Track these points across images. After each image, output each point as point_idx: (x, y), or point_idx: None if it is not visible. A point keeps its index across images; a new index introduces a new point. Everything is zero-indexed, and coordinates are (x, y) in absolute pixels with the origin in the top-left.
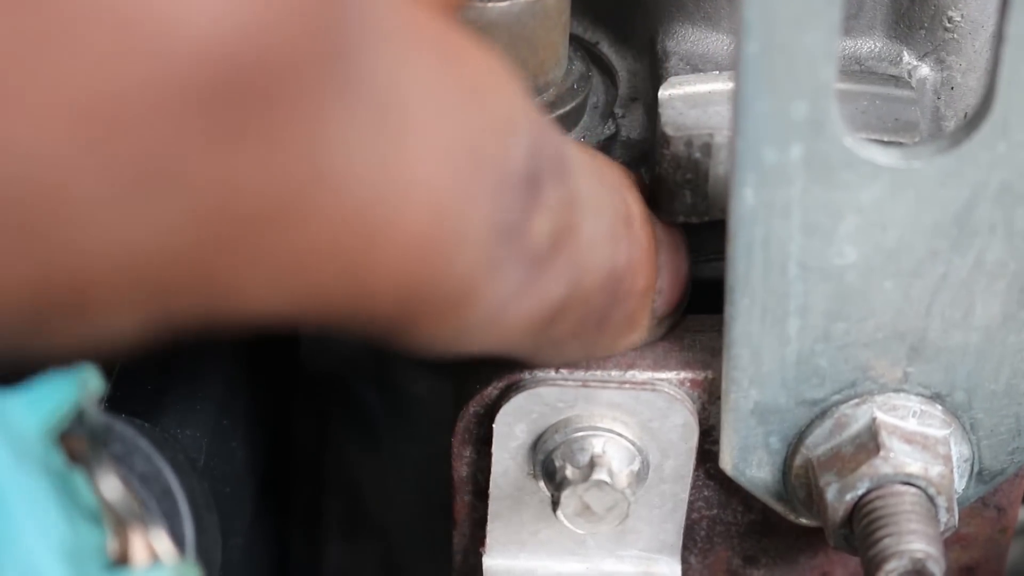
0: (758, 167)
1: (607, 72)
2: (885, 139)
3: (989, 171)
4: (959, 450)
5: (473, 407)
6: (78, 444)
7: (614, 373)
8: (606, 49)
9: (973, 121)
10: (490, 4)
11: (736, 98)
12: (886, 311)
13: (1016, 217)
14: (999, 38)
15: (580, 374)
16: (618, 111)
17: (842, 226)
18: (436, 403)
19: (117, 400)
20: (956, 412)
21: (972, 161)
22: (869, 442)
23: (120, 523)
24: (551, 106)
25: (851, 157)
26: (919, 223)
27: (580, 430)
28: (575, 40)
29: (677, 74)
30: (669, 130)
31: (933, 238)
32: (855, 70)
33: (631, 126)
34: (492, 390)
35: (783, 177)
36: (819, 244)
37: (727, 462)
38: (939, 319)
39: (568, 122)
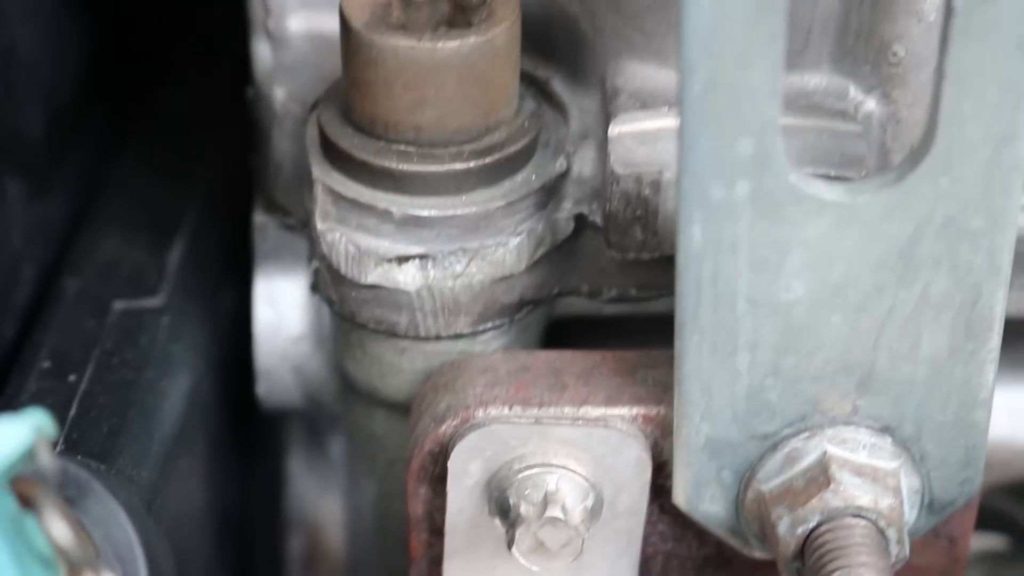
0: (705, 204)
1: (559, 109)
2: (831, 174)
3: (933, 205)
4: (909, 482)
5: (428, 445)
6: (31, 488)
7: (567, 410)
8: (558, 86)
9: (916, 156)
10: (440, 44)
11: (681, 136)
12: (834, 345)
13: (960, 250)
14: (939, 74)
15: (534, 411)
16: (570, 148)
17: (789, 261)
18: (394, 441)
19: (72, 443)
20: (906, 444)
21: (916, 196)
22: (819, 475)
23: (73, 568)
24: (502, 145)
25: (797, 193)
26: (865, 257)
27: (534, 467)
28: (526, 78)
29: (627, 111)
30: (618, 167)
31: (879, 272)
32: (802, 105)
33: (583, 163)
34: (446, 428)
35: (730, 214)
36: (767, 279)
37: (680, 497)
38: (887, 352)
39: (519, 160)
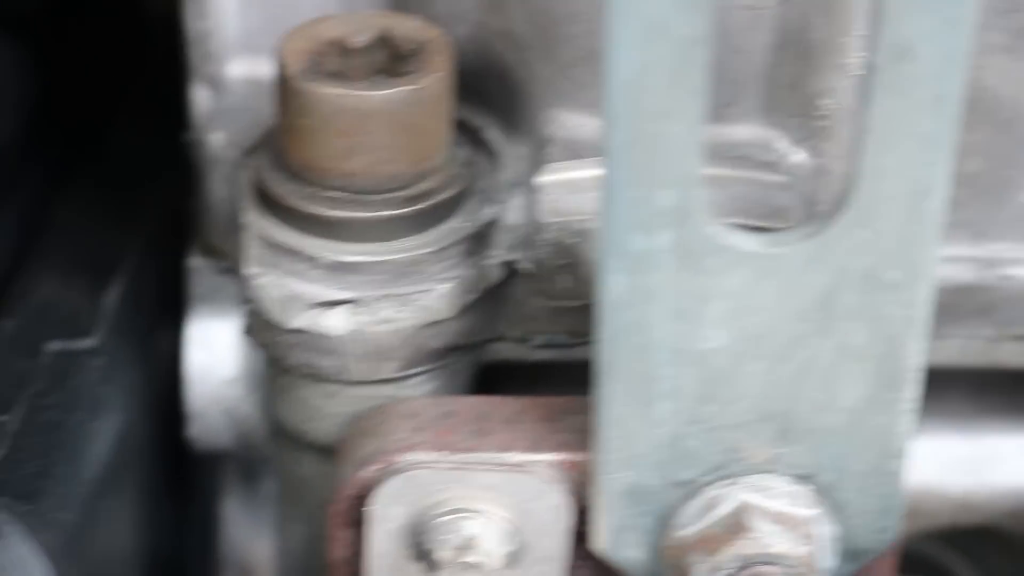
0: (626, 254)
1: (492, 157)
2: (757, 225)
3: (852, 258)
4: (827, 529)
5: (349, 489)
6: None
7: (490, 456)
8: (492, 134)
9: (836, 209)
10: (370, 93)
11: (604, 186)
12: (754, 394)
13: (879, 303)
14: (860, 128)
15: (456, 457)
16: (501, 196)
17: (710, 311)
18: (322, 484)
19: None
20: (825, 492)
21: (835, 248)
22: (736, 523)
23: None
24: (432, 192)
25: (717, 244)
26: (784, 308)
27: (454, 512)
28: (461, 125)
29: (558, 160)
30: (546, 216)
31: (799, 323)
32: (730, 156)
33: (513, 211)
34: (368, 473)
35: (651, 264)
36: (688, 329)
37: (600, 543)
38: (806, 401)
39: (449, 207)
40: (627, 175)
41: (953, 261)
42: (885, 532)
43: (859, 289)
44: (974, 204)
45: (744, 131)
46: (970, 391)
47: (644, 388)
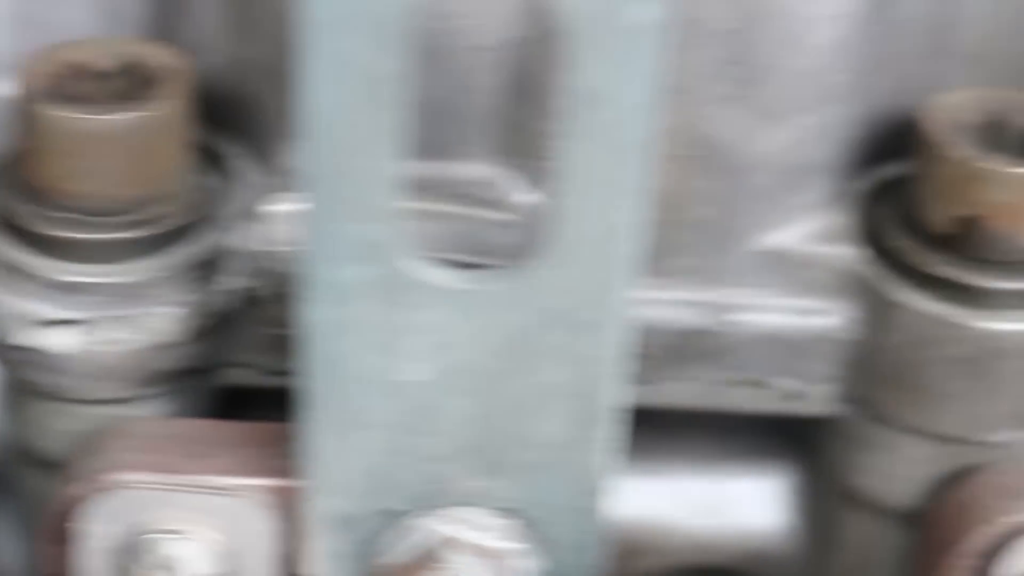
0: (327, 286)
1: (230, 184)
2: (475, 262)
3: (550, 298)
4: (531, 564)
5: (56, 506)
6: None
7: (201, 478)
8: (232, 162)
9: (536, 249)
10: (100, 116)
11: (308, 219)
12: (458, 427)
13: (576, 343)
14: (556, 171)
15: (167, 478)
16: (233, 224)
17: (411, 344)
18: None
19: None
20: (530, 527)
21: (534, 287)
22: (435, 553)
23: None
24: (163, 217)
25: (416, 279)
26: (484, 344)
27: (161, 534)
28: (201, 150)
29: (283, 191)
30: (269, 245)
31: (499, 359)
32: (455, 194)
33: (244, 239)
34: (76, 490)
35: (351, 296)
36: (389, 361)
37: (311, 568)
38: (508, 436)
39: (180, 232)
40: (327, 209)
41: (682, 305)
42: (590, 570)
43: (557, 329)
44: (702, 250)
45: (471, 169)
46: (710, 434)
47: (348, 418)
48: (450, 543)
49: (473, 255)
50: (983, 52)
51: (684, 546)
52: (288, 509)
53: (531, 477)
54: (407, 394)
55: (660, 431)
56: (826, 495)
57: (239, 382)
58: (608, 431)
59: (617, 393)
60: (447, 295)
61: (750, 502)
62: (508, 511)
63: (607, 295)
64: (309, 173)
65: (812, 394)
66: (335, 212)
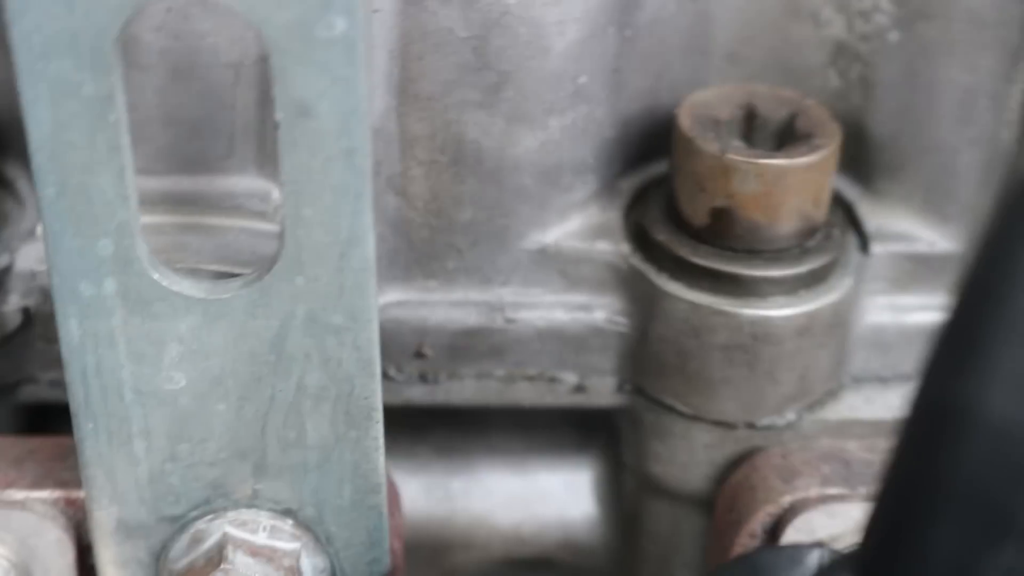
0: (77, 300)
1: (20, 206)
2: (238, 271)
3: (293, 303)
4: (315, 562)
5: None
6: None
7: None
8: (21, 185)
9: (274, 256)
10: None
11: (46, 236)
12: (224, 433)
13: (327, 345)
14: (282, 182)
15: None
16: (16, 244)
17: (167, 354)
18: None
19: None
20: (309, 526)
21: (276, 294)
22: (216, 555)
23: None
24: None
25: (162, 290)
26: (238, 350)
27: None
28: None
29: None
30: (36, 264)
31: (254, 365)
32: (225, 206)
33: (28, 259)
34: None
35: (102, 309)
36: (149, 371)
37: None
38: (275, 439)
39: None
40: (63, 226)
41: (461, 305)
42: (375, 564)
43: (306, 332)
44: (475, 251)
45: (241, 182)
46: (518, 430)
47: (117, 427)
48: (233, 544)
49: (243, 266)
50: (738, 50)
51: (497, 540)
52: (81, 520)
53: (301, 478)
54: (170, 402)
55: (469, 429)
56: (628, 484)
57: (36, 398)
58: (373, 430)
59: (376, 392)
60: (195, 304)
61: (560, 494)
62: (284, 511)
63: (352, 298)
64: (42, 193)
65: (596, 387)
66: (66, 229)
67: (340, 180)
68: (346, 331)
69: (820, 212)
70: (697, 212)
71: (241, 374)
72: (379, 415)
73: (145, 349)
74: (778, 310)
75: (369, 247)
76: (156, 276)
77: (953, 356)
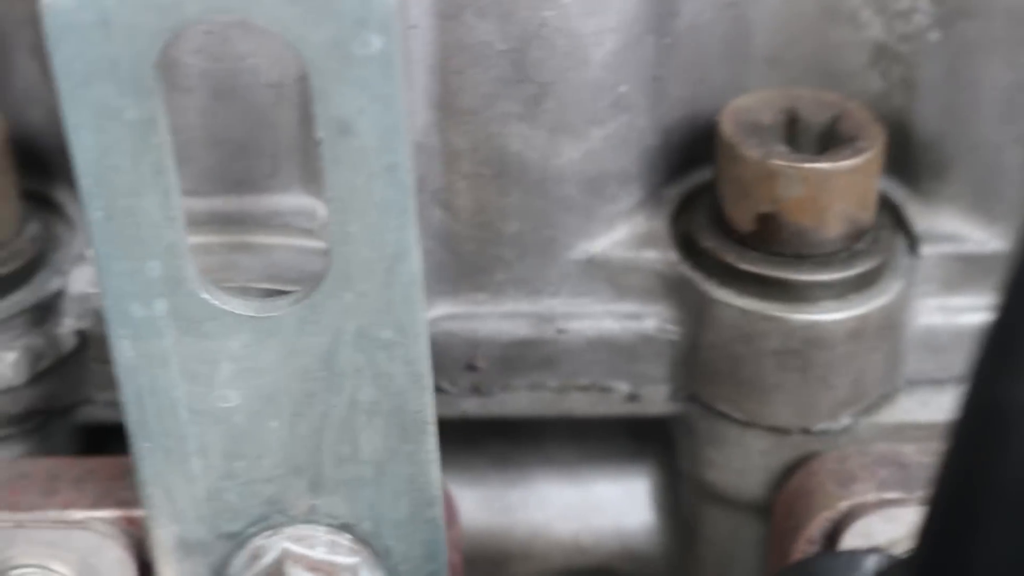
0: (128, 322)
1: (69, 228)
2: (287, 289)
3: (343, 319)
4: (371, 575)
5: None
6: None
7: (52, 513)
8: (70, 208)
9: (322, 273)
10: None
11: (96, 259)
12: (279, 449)
13: (378, 360)
14: (328, 199)
15: (19, 516)
16: (67, 267)
17: (220, 372)
18: None
19: None
20: (367, 540)
21: (325, 310)
22: (277, 571)
23: None
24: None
25: (213, 309)
26: (290, 367)
27: (17, 568)
28: (41, 199)
29: None
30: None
31: (306, 381)
32: (273, 224)
33: (81, 282)
34: None
35: (153, 330)
36: (202, 390)
37: None
38: (330, 455)
39: (16, 280)
40: (113, 249)
41: (512, 317)
42: None
43: (357, 348)
44: (523, 262)
45: (286, 200)
46: (572, 439)
47: (173, 446)
48: (293, 559)
49: (292, 284)
50: (777, 55)
51: (557, 550)
52: (139, 539)
53: (357, 492)
54: (225, 420)
55: (524, 440)
56: (685, 492)
57: (93, 419)
58: (427, 443)
59: (428, 405)
60: (246, 323)
61: (617, 503)
62: (341, 526)
63: (401, 312)
64: (90, 217)
65: (649, 395)
66: (115, 252)
67: (383, 196)
68: (396, 345)
69: (867, 215)
70: (743, 218)
71: (294, 391)
72: (433, 428)
73: (198, 368)
74: (828, 314)
75: (416, 262)
76: (206, 296)
77: (999, 356)
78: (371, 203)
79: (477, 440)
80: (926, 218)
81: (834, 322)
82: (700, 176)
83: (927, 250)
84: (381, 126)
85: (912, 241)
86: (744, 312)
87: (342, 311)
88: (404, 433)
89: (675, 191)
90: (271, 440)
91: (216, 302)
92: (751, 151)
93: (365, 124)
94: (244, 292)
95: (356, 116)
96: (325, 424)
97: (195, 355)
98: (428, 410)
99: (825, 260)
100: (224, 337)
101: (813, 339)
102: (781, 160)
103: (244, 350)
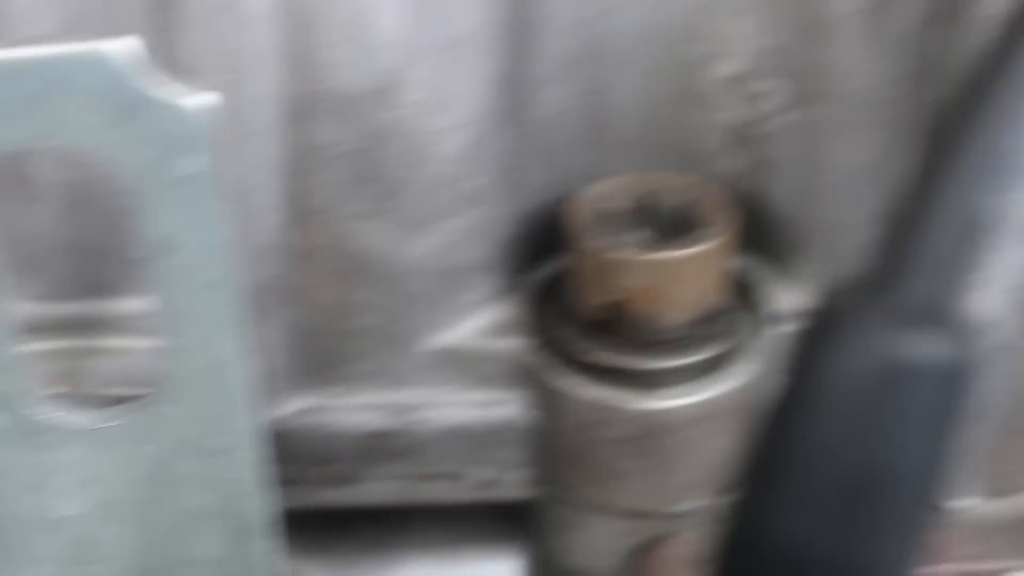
0: None
1: None
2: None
3: (175, 430)
4: None
5: None
6: None
7: None
8: None
9: (155, 384)
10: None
11: None
12: (118, 555)
13: (211, 468)
14: (152, 314)
15: None
16: None
17: (59, 483)
18: None
19: None
20: None
21: (156, 421)
22: None
23: None
24: None
25: (48, 423)
26: (128, 475)
27: None
28: None
29: None
30: None
31: (143, 489)
32: (127, 328)
33: None
34: None
35: None
36: (42, 500)
37: None
38: (167, 559)
39: None
40: None
41: (366, 409)
42: None
43: (189, 456)
44: (380, 355)
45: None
46: (439, 523)
47: (12, 555)
48: None
49: (146, 386)
50: (637, 138)
51: None
52: None
53: None
54: (64, 528)
55: (391, 525)
56: (551, 574)
57: None
58: (263, 545)
59: (265, 508)
60: (84, 435)
61: None
62: None
63: (232, 422)
64: None
65: (505, 481)
66: None
67: (208, 311)
68: (227, 453)
69: (716, 299)
70: (591, 307)
71: (131, 498)
72: (275, 528)
73: (38, 479)
74: (672, 400)
75: (243, 372)
76: (42, 409)
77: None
78: (196, 317)
79: (348, 526)
80: (791, 295)
81: (678, 408)
82: (560, 263)
83: (791, 328)
84: (204, 243)
85: (772, 320)
86: (587, 402)
87: (172, 421)
88: (239, 536)
89: (533, 279)
90: (111, 547)
91: (54, 415)
92: (594, 241)
93: (188, 242)
94: (91, 399)
95: (178, 234)
96: (162, 530)
97: (34, 466)
98: (262, 513)
99: (673, 346)
100: (61, 448)
101: (658, 425)
102: (624, 250)
103: (81, 460)
